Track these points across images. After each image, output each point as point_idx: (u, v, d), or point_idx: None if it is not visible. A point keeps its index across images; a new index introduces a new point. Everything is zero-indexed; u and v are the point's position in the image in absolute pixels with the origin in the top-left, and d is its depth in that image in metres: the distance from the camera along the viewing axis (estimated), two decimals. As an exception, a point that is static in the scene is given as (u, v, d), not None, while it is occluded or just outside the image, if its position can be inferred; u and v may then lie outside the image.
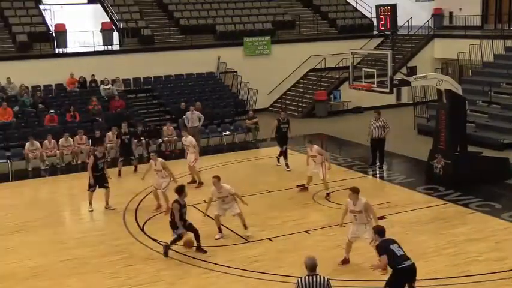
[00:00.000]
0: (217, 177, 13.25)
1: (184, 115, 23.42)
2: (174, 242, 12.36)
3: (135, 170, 19.37)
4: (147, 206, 15.60)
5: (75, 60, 26.34)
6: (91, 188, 15.56)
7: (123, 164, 19.26)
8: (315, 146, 16.20)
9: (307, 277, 8.09)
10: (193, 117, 21.84)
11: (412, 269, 9.25)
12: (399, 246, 9.40)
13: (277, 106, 29.39)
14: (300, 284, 8.04)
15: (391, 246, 9.35)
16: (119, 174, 18.81)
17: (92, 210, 15.56)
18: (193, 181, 17.42)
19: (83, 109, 23.43)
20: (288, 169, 18.70)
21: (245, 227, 13.32)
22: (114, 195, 17.04)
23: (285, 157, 19.08)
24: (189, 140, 17.63)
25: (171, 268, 11.90)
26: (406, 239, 13.01)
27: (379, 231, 9.67)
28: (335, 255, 12.13)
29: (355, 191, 11.41)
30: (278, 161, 19.28)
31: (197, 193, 16.18)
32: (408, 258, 9.28)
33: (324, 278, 8.09)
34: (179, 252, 12.54)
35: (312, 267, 8.17)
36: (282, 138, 19.13)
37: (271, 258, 12.14)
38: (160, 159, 15.40)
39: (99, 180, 15.57)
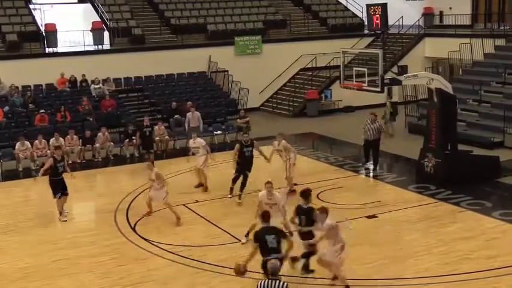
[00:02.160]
0: (271, 184, 12.35)
1: (176, 115, 23.42)
2: (308, 255, 11.12)
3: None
4: (138, 206, 15.56)
5: (66, 60, 26.24)
6: (57, 193, 14.73)
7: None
8: (283, 141, 16.16)
9: (267, 280, 8.16)
10: (194, 117, 21.74)
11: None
12: (275, 238, 9.63)
13: (268, 105, 29.42)
14: (258, 287, 8.08)
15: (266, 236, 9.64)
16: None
17: (65, 220, 14.84)
18: (200, 184, 16.87)
19: (74, 109, 23.35)
20: (239, 200, 15.69)
21: None
22: (105, 195, 17.05)
23: (242, 186, 15.91)
24: (198, 141, 17.03)
25: (163, 268, 11.88)
26: (397, 237, 13.10)
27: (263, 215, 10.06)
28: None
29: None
30: (231, 192, 16.04)
31: (194, 192, 16.17)
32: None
33: (283, 283, 8.07)
34: (172, 252, 12.54)
35: (273, 271, 8.29)
36: (245, 165, 15.97)
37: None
38: (155, 169, 14.42)
39: (59, 186, 14.78)
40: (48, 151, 20.05)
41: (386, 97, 25.20)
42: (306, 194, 11.29)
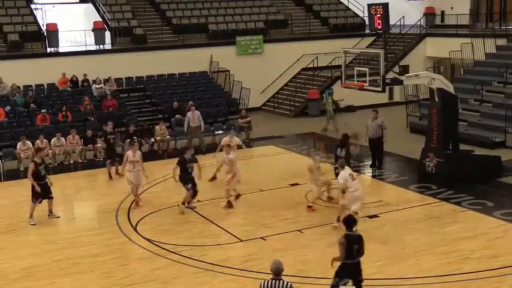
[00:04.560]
0: None
1: (177, 115, 23.41)
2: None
3: (117, 172, 18.47)
4: (140, 206, 15.57)
5: (67, 60, 26.26)
6: (38, 199, 14.53)
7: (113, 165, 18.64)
8: (237, 138, 16.56)
9: (270, 280, 7.99)
10: (194, 116, 21.74)
11: None
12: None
13: (269, 105, 29.42)
14: (261, 286, 7.96)
15: None
16: (110, 176, 18.55)
17: (34, 224, 14.53)
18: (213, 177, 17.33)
19: (75, 109, 23.36)
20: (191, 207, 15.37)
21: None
22: (106, 195, 17.06)
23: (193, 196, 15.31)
24: (235, 140, 17.32)
25: (164, 268, 11.89)
26: (399, 237, 13.09)
27: None
28: (328, 254, 12.15)
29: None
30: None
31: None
32: None
33: (287, 283, 7.94)
34: (173, 252, 12.54)
35: (276, 271, 8.03)
36: (188, 181, 15.07)
37: (264, 257, 12.12)
38: (138, 151, 15.57)
39: (43, 190, 14.60)
40: (50, 151, 20.08)
41: (327, 94, 25.59)
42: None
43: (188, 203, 15.18)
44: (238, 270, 11.53)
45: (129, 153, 15.52)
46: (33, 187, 14.52)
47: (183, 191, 15.12)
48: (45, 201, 14.84)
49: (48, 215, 14.93)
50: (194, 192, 15.20)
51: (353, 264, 9.40)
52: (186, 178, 14.94)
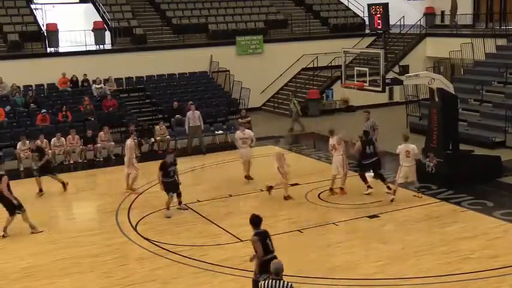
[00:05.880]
0: None
1: (178, 115, 23.40)
2: None
3: (40, 191, 17.13)
4: (140, 207, 15.58)
5: (67, 60, 26.25)
6: (16, 210, 13.86)
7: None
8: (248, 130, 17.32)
9: (270, 280, 7.91)
10: (194, 116, 21.74)
11: None
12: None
13: (269, 105, 29.41)
14: (261, 287, 7.89)
15: None
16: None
17: (4, 236, 13.92)
18: (248, 176, 17.43)
19: (75, 109, 23.36)
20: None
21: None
22: (106, 195, 17.05)
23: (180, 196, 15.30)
24: (247, 132, 17.51)
25: (164, 268, 11.89)
26: (399, 237, 13.09)
27: None
28: (328, 254, 12.17)
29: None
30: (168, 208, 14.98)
31: (195, 192, 16.19)
32: None
33: (287, 283, 7.86)
34: (173, 252, 12.54)
35: (276, 271, 7.97)
36: (170, 185, 14.91)
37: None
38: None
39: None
40: (50, 151, 20.07)
41: (291, 95, 25.73)
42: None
43: (179, 203, 15.20)
44: (238, 270, 11.52)
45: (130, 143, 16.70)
46: (5, 200, 13.83)
47: (183, 191, 15.15)
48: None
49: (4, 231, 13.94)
50: (178, 195, 15.14)
51: (272, 259, 9.35)
52: (168, 183, 14.86)
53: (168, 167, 14.85)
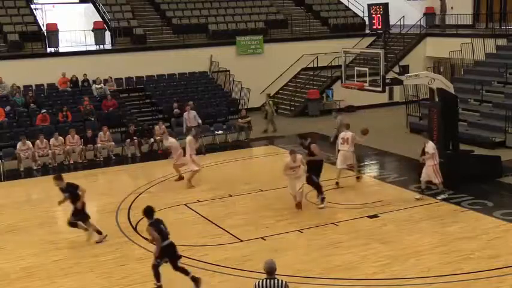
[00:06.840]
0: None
1: (179, 116, 23.40)
2: None
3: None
4: (140, 207, 15.52)
5: (67, 60, 26.25)
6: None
7: None
8: (171, 139, 17.36)
9: (264, 280, 7.93)
10: (190, 117, 21.72)
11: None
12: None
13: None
14: (256, 286, 7.89)
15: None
16: None
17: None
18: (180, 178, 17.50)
19: (75, 109, 23.35)
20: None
21: None
22: (106, 195, 17.04)
23: None
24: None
25: (163, 267, 11.83)
26: (399, 237, 13.08)
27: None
28: (328, 254, 12.17)
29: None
30: None
31: (195, 192, 16.16)
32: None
33: (282, 281, 7.89)
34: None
35: (269, 271, 7.99)
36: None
37: (264, 257, 12.03)
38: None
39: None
40: (50, 151, 20.09)
41: (266, 97, 25.80)
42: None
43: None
44: (238, 270, 11.52)
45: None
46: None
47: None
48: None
49: None
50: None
51: (170, 244, 10.65)
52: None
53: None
